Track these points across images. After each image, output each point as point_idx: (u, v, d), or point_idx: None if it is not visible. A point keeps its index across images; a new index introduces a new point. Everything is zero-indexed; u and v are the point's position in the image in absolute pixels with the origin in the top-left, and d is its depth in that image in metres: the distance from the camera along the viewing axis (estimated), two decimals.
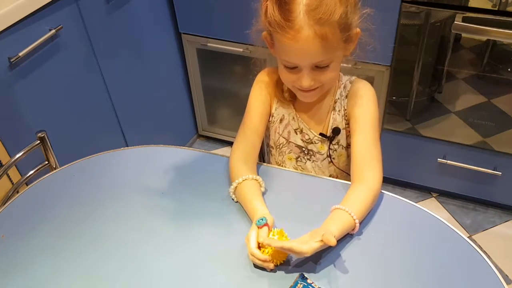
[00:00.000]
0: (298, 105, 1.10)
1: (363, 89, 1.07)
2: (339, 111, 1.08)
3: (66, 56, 1.50)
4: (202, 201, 1.00)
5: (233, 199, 0.99)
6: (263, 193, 0.99)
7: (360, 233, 0.92)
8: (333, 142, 1.10)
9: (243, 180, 0.98)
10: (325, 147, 1.11)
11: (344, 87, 1.08)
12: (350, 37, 0.96)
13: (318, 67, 0.94)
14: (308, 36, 0.88)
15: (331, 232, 0.83)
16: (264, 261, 0.84)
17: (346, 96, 1.07)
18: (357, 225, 0.90)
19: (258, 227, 0.87)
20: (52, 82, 1.48)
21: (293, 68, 0.96)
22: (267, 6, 0.92)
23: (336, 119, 1.09)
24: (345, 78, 1.09)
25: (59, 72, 1.49)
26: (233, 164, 1.03)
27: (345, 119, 1.08)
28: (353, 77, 1.09)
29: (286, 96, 1.10)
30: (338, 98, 1.08)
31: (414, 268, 0.85)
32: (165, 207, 1.00)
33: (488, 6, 1.47)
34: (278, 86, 1.10)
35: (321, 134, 1.10)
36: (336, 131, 1.08)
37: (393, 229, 0.93)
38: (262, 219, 0.88)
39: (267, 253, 0.85)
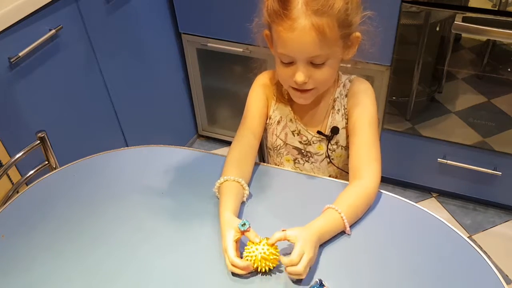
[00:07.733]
0: (297, 106, 1.10)
1: (363, 88, 1.07)
2: (338, 110, 1.08)
3: (66, 56, 1.50)
4: (202, 201, 1.00)
5: (218, 198, 0.99)
6: (249, 196, 0.99)
7: (360, 233, 0.92)
8: (332, 142, 1.10)
9: (225, 181, 0.98)
10: (324, 147, 1.11)
11: (344, 85, 1.08)
12: (350, 40, 0.95)
13: (314, 64, 0.93)
14: (305, 26, 0.87)
15: (297, 269, 0.81)
16: (245, 268, 0.83)
17: (346, 95, 1.07)
18: (346, 223, 0.90)
19: (242, 232, 0.85)
20: (52, 82, 1.48)
21: (289, 64, 0.95)
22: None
23: (335, 118, 1.08)
24: (344, 77, 1.09)
25: (59, 72, 1.49)
26: (226, 164, 1.03)
27: (345, 118, 1.08)
28: (352, 76, 1.09)
29: (286, 95, 1.10)
30: (338, 97, 1.08)
31: (414, 268, 0.85)
32: (165, 207, 1.00)
33: (488, 6, 1.47)
34: (278, 87, 1.10)
35: (319, 132, 1.09)
36: (334, 130, 1.08)
37: (393, 229, 0.93)
38: (244, 224, 0.85)
39: (254, 260, 0.83)
